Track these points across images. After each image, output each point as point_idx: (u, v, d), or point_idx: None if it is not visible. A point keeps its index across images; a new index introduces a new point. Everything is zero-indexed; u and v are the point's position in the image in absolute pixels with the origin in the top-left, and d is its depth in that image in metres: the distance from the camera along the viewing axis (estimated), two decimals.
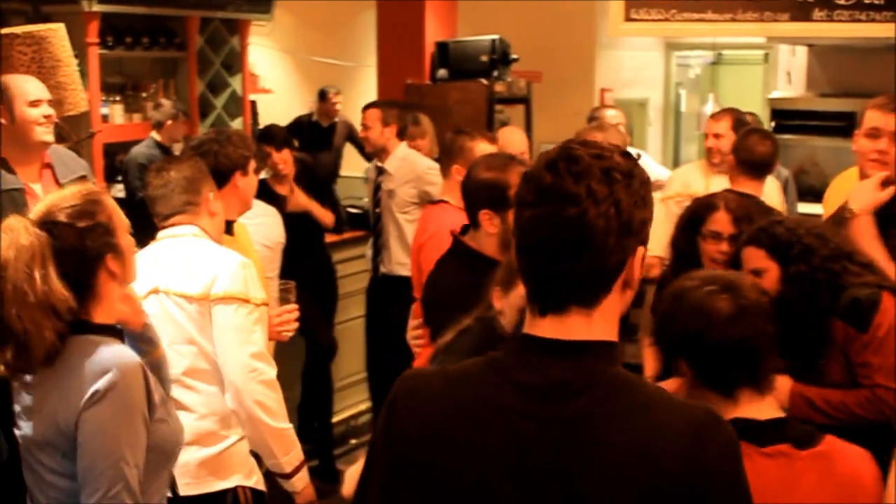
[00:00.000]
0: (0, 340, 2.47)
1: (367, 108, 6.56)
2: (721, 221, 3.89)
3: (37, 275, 2.44)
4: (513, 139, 5.76)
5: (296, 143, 6.64)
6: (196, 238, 3.47)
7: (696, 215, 4.00)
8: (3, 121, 4.25)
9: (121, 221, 2.65)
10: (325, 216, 6.35)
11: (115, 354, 2.52)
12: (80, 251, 2.53)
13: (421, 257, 4.54)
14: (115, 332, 2.64)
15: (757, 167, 4.92)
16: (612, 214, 1.63)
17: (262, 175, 6.32)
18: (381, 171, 6.42)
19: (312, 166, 6.84)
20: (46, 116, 4.32)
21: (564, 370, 1.67)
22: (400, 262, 6.25)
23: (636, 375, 1.72)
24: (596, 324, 1.69)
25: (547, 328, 1.70)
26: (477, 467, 1.67)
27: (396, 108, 6.53)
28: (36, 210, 2.60)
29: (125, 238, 2.65)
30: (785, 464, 2.35)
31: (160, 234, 3.53)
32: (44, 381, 2.53)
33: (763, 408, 2.43)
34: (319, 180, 6.69)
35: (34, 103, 4.30)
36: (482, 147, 4.59)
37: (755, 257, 3.48)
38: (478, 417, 1.69)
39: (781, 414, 2.46)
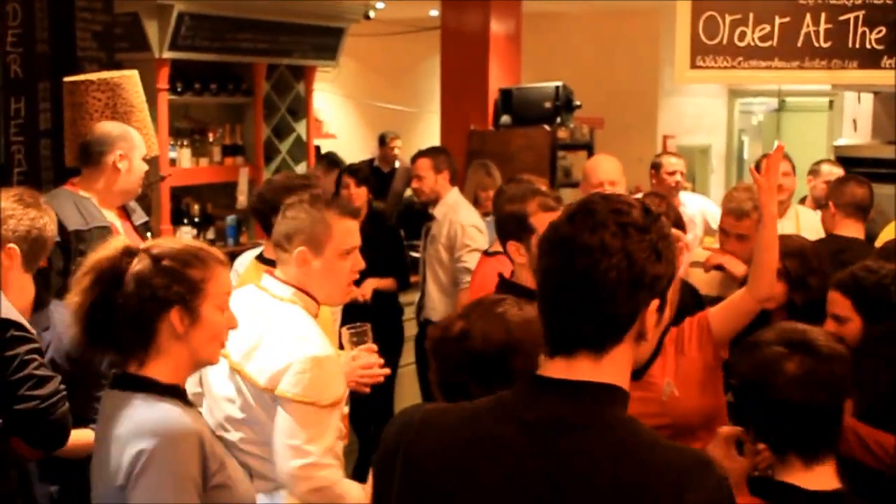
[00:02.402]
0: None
1: (416, 157, 6.51)
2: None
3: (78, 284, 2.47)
4: (599, 166, 5.77)
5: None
6: (289, 306, 3.18)
7: None
8: (121, 166, 4.50)
9: (217, 291, 2.55)
10: (387, 283, 6.44)
11: (164, 417, 2.43)
12: (148, 287, 2.45)
13: None
14: (175, 392, 2.52)
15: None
16: (623, 267, 1.70)
17: None
18: (430, 217, 6.43)
19: (383, 213, 6.86)
20: (144, 171, 4.64)
21: (564, 408, 1.73)
22: (436, 309, 6.21)
23: (633, 418, 1.76)
24: (604, 369, 1.75)
25: (556, 369, 1.77)
26: (481, 500, 1.73)
27: (446, 154, 6.53)
28: (157, 240, 2.63)
29: (211, 309, 2.53)
30: None
31: (266, 280, 3.29)
32: (102, 437, 2.48)
33: (813, 478, 2.39)
34: (387, 228, 6.71)
35: (144, 158, 4.62)
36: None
37: (840, 305, 3.53)
38: (483, 452, 1.76)
39: (835, 486, 2.39)
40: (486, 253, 5.13)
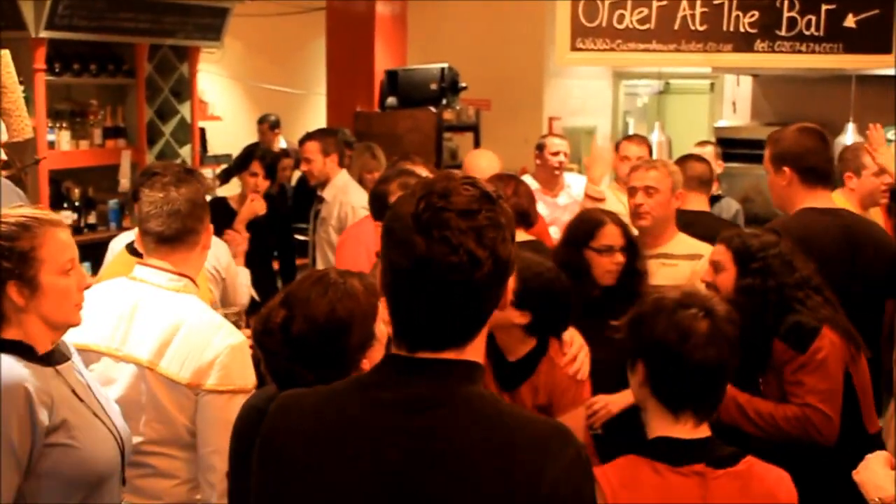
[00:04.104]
0: None
1: (304, 140, 6.49)
2: (612, 235, 3.99)
3: None
4: (478, 164, 5.84)
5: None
6: (186, 296, 3.10)
7: (582, 231, 4.03)
8: None
9: (52, 256, 2.54)
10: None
11: None
12: None
13: (339, 254, 5.18)
14: (19, 348, 2.54)
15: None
16: (492, 270, 1.70)
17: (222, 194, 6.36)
18: (320, 200, 6.41)
19: (280, 204, 6.79)
20: None
21: (423, 387, 1.73)
22: None
23: (491, 393, 1.79)
24: (466, 353, 1.76)
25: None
26: (342, 482, 1.73)
27: (334, 136, 6.53)
28: None
29: (51, 276, 2.54)
30: (698, 483, 2.39)
31: (147, 273, 3.14)
32: None
33: (693, 430, 2.47)
34: (284, 219, 6.69)
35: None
36: (419, 172, 4.72)
37: (720, 252, 3.67)
38: (342, 434, 1.75)
39: (707, 433, 2.49)
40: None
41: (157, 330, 3.00)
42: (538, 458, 1.67)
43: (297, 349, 2.42)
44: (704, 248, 4.39)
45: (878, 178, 5.07)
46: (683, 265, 4.33)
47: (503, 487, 1.65)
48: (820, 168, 4.16)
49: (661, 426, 2.49)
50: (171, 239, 3.13)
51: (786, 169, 4.16)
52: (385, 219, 1.77)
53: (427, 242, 1.68)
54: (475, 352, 1.78)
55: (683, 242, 4.46)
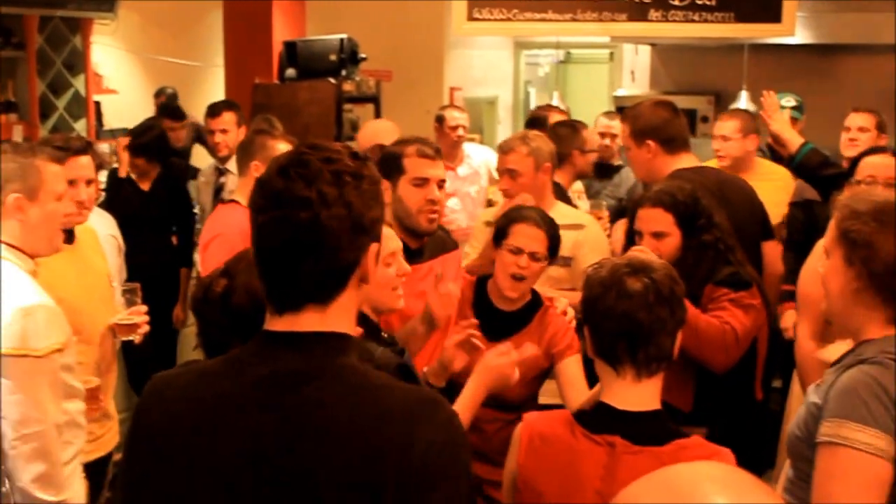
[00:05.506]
0: None
1: (220, 111, 6.32)
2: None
3: None
4: (374, 134, 5.80)
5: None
6: None
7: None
8: None
9: None
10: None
11: None
12: None
13: (205, 257, 4.42)
14: None
15: None
16: (343, 215, 1.72)
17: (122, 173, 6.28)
18: (222, 172, 6.31)
19: (178, 171, 6.67)
20: None
21: (294, 361, 1.75)
22: None
23: (364, 364, 1.80)
24: (330, 318, 1.78)
25: (283, 324, 1.78)
26: (215, 460, 1.72)
27: (240, 108, 6.49)
28: None
29: None
30: (607, 453, 2.34)
31: None
32: None
33: (636, 396, 2.39)
34: (180, 189, 6.59)
35: None
36: (282, 147, 4.37)
37: (661, 220, 3.66)
38: (215, 412, 1.75)
39: (654, 407, 2.40)
40: (224, 201, 4.94)
41: None
42: (408, 426, 1.68)
43: (236, 320, 2.39)
44: (585, 218, 4.59)
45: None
46: (566, 234, 4.28)
47: (374, 458, 1.65)
48: (679, 136, 4.43)
49: (606, 386, 2.43)
50: None
51: (649, 142, 4.38)
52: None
53: (285, 181, 1.73)
54: (343, 319, 1.79)
55: (562, 213, 4.40)
